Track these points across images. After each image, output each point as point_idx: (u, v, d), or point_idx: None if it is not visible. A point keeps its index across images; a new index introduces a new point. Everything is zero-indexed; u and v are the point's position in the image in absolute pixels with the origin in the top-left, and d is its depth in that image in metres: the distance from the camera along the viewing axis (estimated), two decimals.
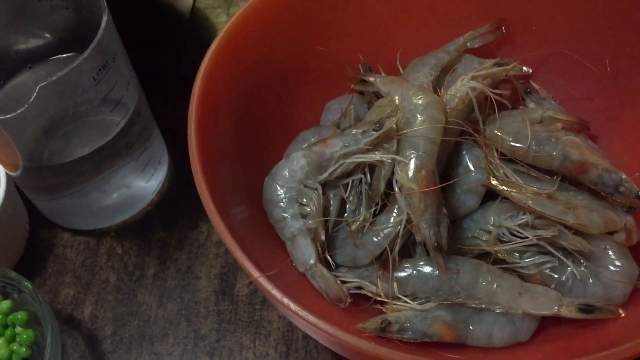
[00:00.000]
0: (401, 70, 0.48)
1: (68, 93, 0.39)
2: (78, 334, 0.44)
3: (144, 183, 0.48)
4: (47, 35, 0.46)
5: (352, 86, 0.47)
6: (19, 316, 0.41)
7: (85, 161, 0.44)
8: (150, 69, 0.49)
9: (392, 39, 0.48)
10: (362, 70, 0.48)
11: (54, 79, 0.36)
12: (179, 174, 0.51)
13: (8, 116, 0.35)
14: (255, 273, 0.31)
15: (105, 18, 0.39)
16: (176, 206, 0.50)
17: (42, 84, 0.36)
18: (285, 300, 0.30)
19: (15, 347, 0.41)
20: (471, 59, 0.47)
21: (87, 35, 0.44)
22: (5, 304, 0.42)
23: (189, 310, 0.44)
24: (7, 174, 0.45)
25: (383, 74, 0.47)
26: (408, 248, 0.41)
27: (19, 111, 0.35)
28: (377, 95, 0.46)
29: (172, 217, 0.49)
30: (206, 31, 0.61)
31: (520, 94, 0.47)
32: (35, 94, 0.36)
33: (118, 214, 0.49)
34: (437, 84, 0.45)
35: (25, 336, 0.41)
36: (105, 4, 0.40)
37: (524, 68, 0.48)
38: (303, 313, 0.29)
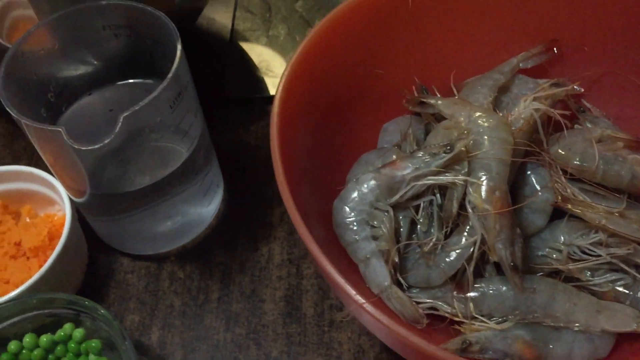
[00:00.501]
0: (455, 91, 0.49)
1: (147, 121, 0.39)
2: None
3: (205, 207, 0.49)
4: (107, 63, 0.46)
5: (410, 108, 0.48)
6: (93, 344, 0.41)
7: (151, 188, 0.44)
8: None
9: (445, 60, 0.49)
10: (418, 92, 0.49)
11: (136, 108, 0.37)
12: (233, 197, 0.52)
13: (95, 146, 0.35)
14: (359, 299, 0.31)
15: (179, 46, 0.40)
16: (234, 229, 0.50)
17: (125, 114, 0.36)
18: (395, 327, 0.30)
19: None
20: (525, 79, 0.48)
21: (149, 61, 0.45)
22: (79, 332, 0.41)
23: (258, 334, 0.45)
24: (70, 199, 0.45)
25: (439, 96, 0.48)
26: (477, 267, 0.41)
27: (106, 141, 0.36)
28: (437, 117, 0.47)
29: (231, 241, 0.49)
30: (246, 53, 0.62)
31: (574, 112, 0.48)
32: (119, 124, 0.36)
33: (178, 239, 0.49)
34: (496, 105, 0.46)
35: None
36: (178, 31, 0.40)
37: (576, 87, 0.49)
38: (414, 339, 0.30)
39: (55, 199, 0.48)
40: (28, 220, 0.49)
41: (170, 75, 0.38)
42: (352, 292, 0.31)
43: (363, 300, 0.31)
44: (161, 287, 0.47)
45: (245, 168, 0.54)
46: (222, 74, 0.60)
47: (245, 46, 0.62)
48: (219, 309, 0.46)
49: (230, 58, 0.61)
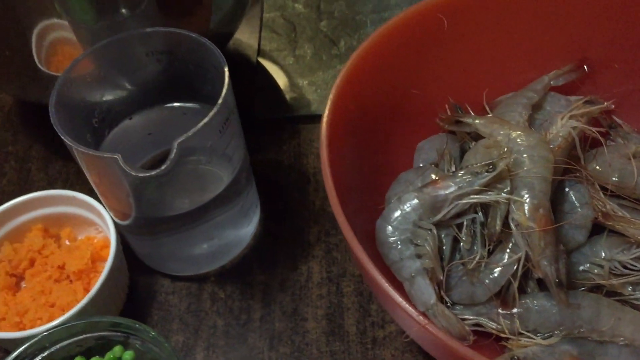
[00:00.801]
0: (488, 109, 0.50)
1: (198, 146, 0.40)
2: None
3: (244, 229, 0.49)
4: (148, 87, 0.47)
5: (445, 127, 0.49)
6: None
7: (191, 211, 0.45)
8: None
9: (477, 79, 0.50)
10: (451, 111, 0.50)
11: (189, 134, 0.37)
12: (269, 216, 0.53)
13: (152, 173, 0.36)
14: (421, 320, 0.32)
15: (227, 71, 0.41)
16: (272, 249, 0.51)
17: (179, 140, 0.37)
18: (455, 345, 0.31)
19: None
20: (557, 97, 0.49)
21: (188, 85, 0.46)
22: (129, 355, 0.42)
23: (302, 352, 0.45)
24: (114, 222, 0.46)
25: (473, 114, 0.49)
26: (520, 284, 0.42)
27: (162, 168, 0.36)
28: (472, 135, 0.48)
29: (269, 260, 0.50)
30: (274, 73, 0.63)
31: (605, 129, 0.49)
32: (174, 151, 0.37)
33: (217, 259, 0.50)
34: (530, 122, 0.47)
35: None
36: (224, 57, 0.41)
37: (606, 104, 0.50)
38: (473, 354, 0.30)
39: (95, 221, 0.48)
40: (68, 243, 0.50)
41: (220, 100, 0.39)
42: (414, 313, 0.32)
43: (425, 321, 0.32)
44: (203, 308, 0.48)
45: (279, 188, 0.54)
46: (250, 95, 0.61)
47: (272, 66, 0.63)
48: (262, 328, 0.47)
49: (258, 79, 0.62)
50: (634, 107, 0.49)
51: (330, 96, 0.41)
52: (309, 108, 0.59)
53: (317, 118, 0.59)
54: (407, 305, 0.32)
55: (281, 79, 0.62)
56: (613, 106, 0.49)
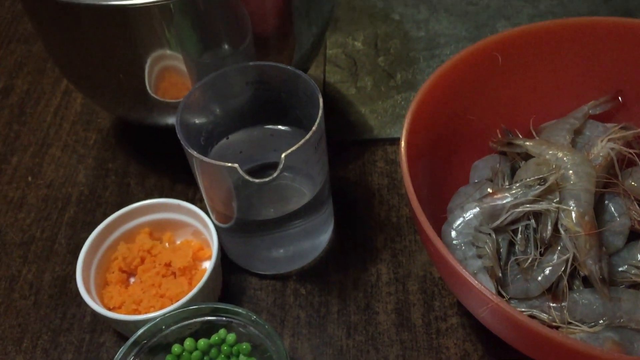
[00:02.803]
0: (534, 134, 0.57)
1: (298, 161, 0.48)
2: None
3: (322, 236, 0.57)
4: (244, 111, 0.55)
5: (497, 148, 0.57)
6: (244, 346, 0.49)
7: (277, 220, 0.52)
8: None
9: (525, 108, 0.58)
10: (502, 135, 0.57)
11: (294, 148, 0.45)
12: (341, 226, 0.60)
13: (265, 180, 0.44)
14: (494, 299, 0.39)
15: (321, 98, 0.49)
16: (345, 253, 0.58)
17: (286, 153, 0.45)
18: (521, 318, 0.38)
19: None
20: (595, 124, 0.56)
21: (277, 111, 0.54)
22: (231, 337, 0.49)
23: (375, 340, 0.52)
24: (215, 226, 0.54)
25: (522, 137, 0.56)
26: (567, 281, 0.49)
27: (274, 176, 0.44)
28: (521, 155, 0.55)
29: (343, 263, 0.57)
30: (338, 102, 0.71)
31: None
32: (282, 163, 0.45)
33: (298, 261, 0.57)
34: (572, 145, 0.55)
35: None
36: (319, 88, 0.49)
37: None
38: (536, 325, 0.37)
39: (196, 225, 0.56)
40: (168, 245, 0.58)
41: (317, 120, 0.47)
42: (488, 292, 0.39)
43: (497, 300, 0.39)
44: (287, 302, 0.55)
45: (348, 201, 0.62)
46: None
47: (336, 96, 0.72)
48: (339, 320, 0.54)
49: (326, 107, 0.70)
50: None
51: (406, 121, 0.49)
52: (372, 133, 0.67)
53: (379, 142, 0.67)
54: (481, 286, 0.39)
55: (345, 107, 0.70)
56: None
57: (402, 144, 0.48)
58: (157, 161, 0.67)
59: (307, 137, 0.46)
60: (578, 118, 0.56)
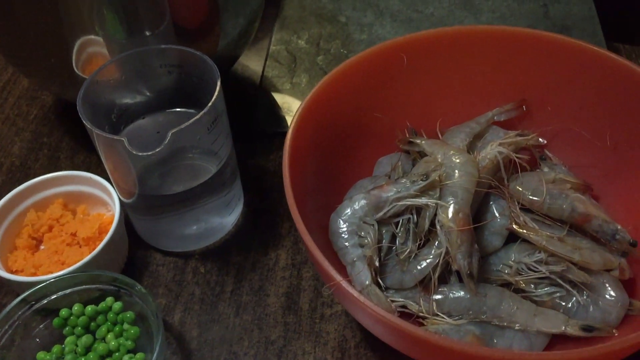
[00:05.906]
0: (440, 135, 0.59)
1: (188, 139, 0.50)
2: (170, 334, 0.54)
3: (226, 217, 0.59)
4: (159, 93, 0.58)
5: (400, 146, 0.58)
6: (128, 315, 0.51)
7: (183, 195, 0.55)
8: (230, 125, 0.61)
9: (433, 110, 0.60)
10: (408, 134, 0.59)
11: (182, 127, 0.48)
12: (251, 211, 0.62)
13: (148, 153, 0.46)
14: (338, 277, 0.41)
15: (219, 82, 0.51)
16: (249, 237, 0.60)
17: (173, 130, 0.47)
18: (362, 299, 0.40)
19: (122, 341, 0.51)
20: (497, 129, 0.58)
21: (192, 94, 0.56)
22: (117, 305, 0.51)
23: (261, 321, 0.54)
24: (120, 201, 0.56)
25: (425, 137, 0.58)
26: (444, 275, 0.51)
27: (157, 150, 0.46)
28: (421, 154, 0.57)
29: (245, 246, 0.59)
30: (273, 95, 0.73)
31: (536, 159, 0.58)
32: (168, 138, 0.47)
33: (202, 240, 0.59)
34: (470, 148, 0.56)
35: (132, 332, 0.51)
36: (219, 72, 0.52)
37: (540, 139, 0.58)
38: (376, 309, 0.39)
39: (107, 200, 0.58)
40: (81, 216, 0.60)
41: (210, 104, 0.49)
42: (333, 271, 0.41)
43: (341, 278, 0.41)
44: (185, 279, 0.57)
45: (263, 189, 0.64)
46: (252, 111, 0.72)
47: (272, 89, 0.74)
48: (232, 299, 0.56)
49: (260, 99, 0.73)
50: (563, 143, 0.58)
51: (297, 113, 0.51)
52: None
53: None
54: (330, 266, 0.41)
55: (278, 100, 0.73)
56: (545, 141, 0.58)
57: (289, 134, 0.50)
58: (89, 139, 0.69)
59: (197, 117, 0.48)
60: (481, 123, 0.58)
